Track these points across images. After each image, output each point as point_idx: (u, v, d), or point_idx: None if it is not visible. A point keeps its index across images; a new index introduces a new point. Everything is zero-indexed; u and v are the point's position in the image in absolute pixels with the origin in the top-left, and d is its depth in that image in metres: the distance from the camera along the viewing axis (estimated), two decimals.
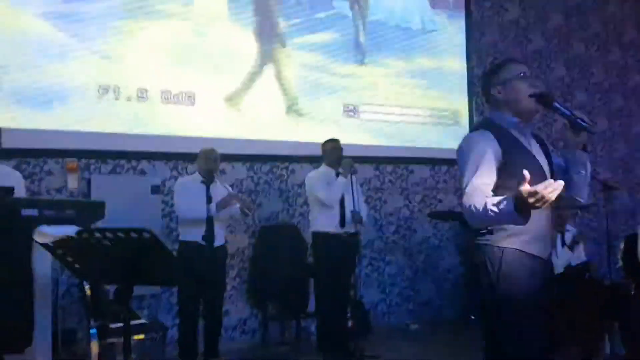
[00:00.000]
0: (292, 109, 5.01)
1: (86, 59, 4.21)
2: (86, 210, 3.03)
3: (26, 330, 2.88)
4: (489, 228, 1.89)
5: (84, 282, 3.37)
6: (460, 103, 5.81)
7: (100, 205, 3.07)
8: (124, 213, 3.53)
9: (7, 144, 3.30)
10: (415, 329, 5.20)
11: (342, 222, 4.10)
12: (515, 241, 1.87)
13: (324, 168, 4.25)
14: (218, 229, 3.72)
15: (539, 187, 1.62)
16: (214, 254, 3.70)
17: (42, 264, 3.40)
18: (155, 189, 4.40)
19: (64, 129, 4.11)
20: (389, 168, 5.49)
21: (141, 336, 3.55)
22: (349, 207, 4.11)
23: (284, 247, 4.70)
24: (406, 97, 5.53)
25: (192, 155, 4.37)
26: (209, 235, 3.65)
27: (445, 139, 5.52)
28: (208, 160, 3.78)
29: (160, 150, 4.45)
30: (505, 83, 1.98)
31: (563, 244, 3.99)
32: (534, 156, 1.98)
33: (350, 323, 4.31)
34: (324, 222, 4.11)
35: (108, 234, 1.62)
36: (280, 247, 4.68)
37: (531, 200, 1.63)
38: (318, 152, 4.49)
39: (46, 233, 1.63)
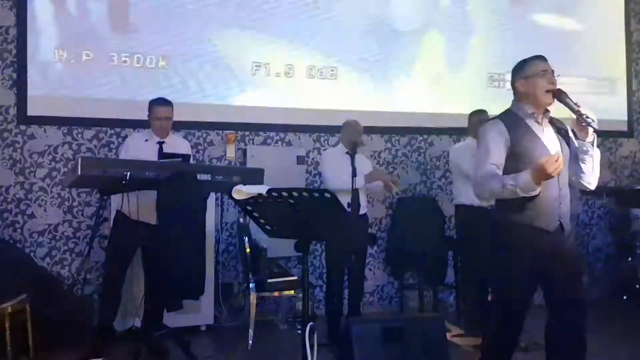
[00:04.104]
0: (433, 79, 4.97)
1: (243, 38, 4.54)
2: (249, 176, 3.33)
3: (201, 280, 3.30)
4: (501, 206, 2.31)
5: (245, 240, 3.74)
6: (617, 70, 5.34)
7: (260, 172, 3.40)
8: (274, 181, 3.82)
9: (176, 117, 3.73)
10: None
11: None
12: (521, 216, 2.23)
13: (470, 140, 4.19)
14: (361, 198, 3.87)
15: (557, 156, 2.05)
16: (359, 221, 3.87)
17: (208, 223, 3.84)
18: (301, 160, 4.66)
19: (224, 103, 4.51)
20: None
21: (292, 292, 3.89)
22: None
23: (422, 218, 4.72)
24: (556, 64, 5.17)
25: (333, 128, 4.57)
26: (355, 204, 3.81)
27: (602, 108, 5.11)
28: (353, 132, 3.89)
29: (305, 123, 4.70)
30: (528, 78, 2.32)
31: None
32: (543, 143, 2.28)
33: (490, 297, 4.25)
34: (468, 194, 4.03)
35: (294, 194, 1.82)
36: (418, 218, 4.71)
37: (551, 168, 2.01)
38: (458, 123, 4.43)
39: (242, 190, 1.87)
